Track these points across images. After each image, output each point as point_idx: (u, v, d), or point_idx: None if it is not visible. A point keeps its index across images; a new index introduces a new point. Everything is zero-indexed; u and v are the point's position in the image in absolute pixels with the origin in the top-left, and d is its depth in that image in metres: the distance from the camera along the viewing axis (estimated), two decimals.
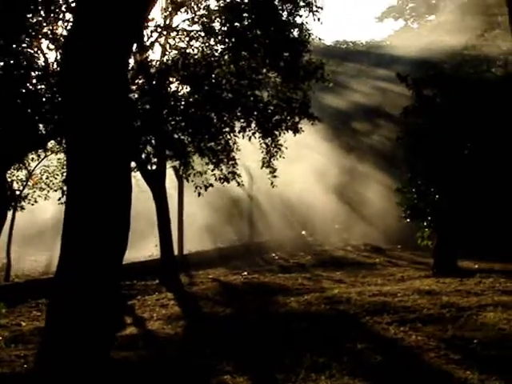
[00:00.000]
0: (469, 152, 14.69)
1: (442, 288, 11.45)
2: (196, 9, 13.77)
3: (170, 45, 14.17)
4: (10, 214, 14.52)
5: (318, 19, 13.23)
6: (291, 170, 21.46)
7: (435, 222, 14.89)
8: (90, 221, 6.09)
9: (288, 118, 14.50)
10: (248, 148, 16.21)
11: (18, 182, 16.23)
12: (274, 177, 15.45)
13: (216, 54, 13.90)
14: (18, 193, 16.10)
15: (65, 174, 14.49)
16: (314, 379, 6.19)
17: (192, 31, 13.88)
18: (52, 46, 11.81)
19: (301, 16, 13.36)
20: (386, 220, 22.33)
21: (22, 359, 7.59)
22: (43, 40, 11.92)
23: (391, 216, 20.18)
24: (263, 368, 6.78)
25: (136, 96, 13.43)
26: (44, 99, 11.49)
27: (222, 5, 13.32)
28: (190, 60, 13.61)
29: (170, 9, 14.02)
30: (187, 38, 13.94)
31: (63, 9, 11.44)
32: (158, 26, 13.73)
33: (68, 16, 11.55)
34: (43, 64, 11.97)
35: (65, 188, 13.62)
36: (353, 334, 8.06)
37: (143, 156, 14.09)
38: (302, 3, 13.11)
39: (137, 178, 14.76)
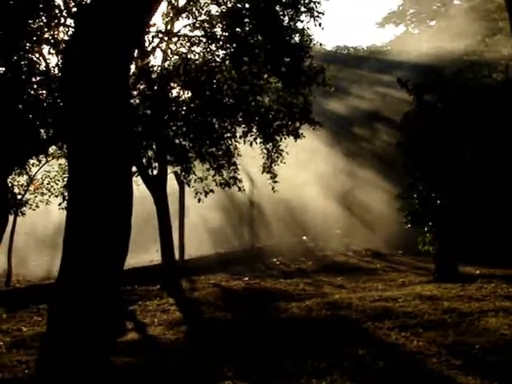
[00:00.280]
0: (470, 157, 14.66)
1: (443, 293, 11.39)
2: (197, 14, 13.82)
3: (171, 50, 14.23)
4: (11, 219, 14.51)
5: (320, 24, 13.24)
6: (292, 175, 21.45)
7: (436, 227, 14.86)
8: (91, 225, 6.08)
9: (289, 123, 14.49)
10: (249, 153, 16.20)
11: (19, 187, 16.23)
12: (275, 182, 15.45)
13: (217, 59, 13.93)
14: (19, 198, 16.09)
15: (66, 179, 14.52)
16: None
17: (193, 37, 13.91)
18: (53, 51, 11.83)
19: (302, 21, 13.42)
20: (387, 225, 22.29)
21: (23, 364, 7.58)
22: (44, 45, 11.97)
23: (392, 221, 20.14)
24: (264, 374, 6.74)
25: (137, 101, 13.43)
26: (45, 104, 11.51)
27: (223, 10, 13.38)
28: (191, 65, 13.61)
29: (171, 14, 14.07)
30: (188, 44, 13.97)
31: (64, 14, 11.46)
32: (160, 31, 13.78)
33: (69, 21, 11.61)
34: (44, 69, 12.01)
35: (66, 193, 13.64)
36: (354, 339, 8.02)
37: (144, 161, 14.09)
38: (303, 9, 13.13)
39: (138, 182, 14.75)
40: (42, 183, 17.24)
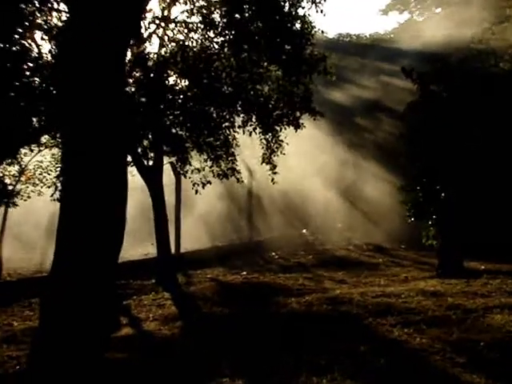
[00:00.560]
0: (477, 148, 14.37)
1: (447, 289, 11.21)
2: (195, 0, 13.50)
3: (168, 37, 13.98)
4: (1, 210, 14.32)
5: (321, 11, 12.93)
6: (292, 166, 21.24)
7: (440, 220, 14.61)
8: (86, 216, 6.03)
9: (289, 112, 14.26)
10: (248, 143, 16.01)
11: (10, 178, 15.98)
12: (275, 173, 15.21)
13: (216, 46, 13.67)
14: (10, 188, 15.81)
15: (59, 169, 14.28)
16: (315, 383, 5.95)
17: (191, 23, 13.63)
18: (46, 37, 11.57)
19: (303, 8, 13.08)
20: (389, 218, 22.14)
21: (14, 360, 7.51)
22: (37, 31, 11.67)
23: (395, 214, 19.96)
24: (263, 371, 6.53)
25: (133, 89, 13.22)
26: (37, 92, 11.24)
27: None
28: (188, 53, 13.40)
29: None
30: (186, 30, 13.70)
31: None
32: (156, 17, 13.49)
33: (62, 6, 11.30)
34: (36, 55, 11.71)
35: (58, 184, 13.41)
36: (355, 335, 7.83)
37: (139, 150, 13.86)
38: None
39: (133, 172, 14.50)
40: (34, 173, 17.00)
